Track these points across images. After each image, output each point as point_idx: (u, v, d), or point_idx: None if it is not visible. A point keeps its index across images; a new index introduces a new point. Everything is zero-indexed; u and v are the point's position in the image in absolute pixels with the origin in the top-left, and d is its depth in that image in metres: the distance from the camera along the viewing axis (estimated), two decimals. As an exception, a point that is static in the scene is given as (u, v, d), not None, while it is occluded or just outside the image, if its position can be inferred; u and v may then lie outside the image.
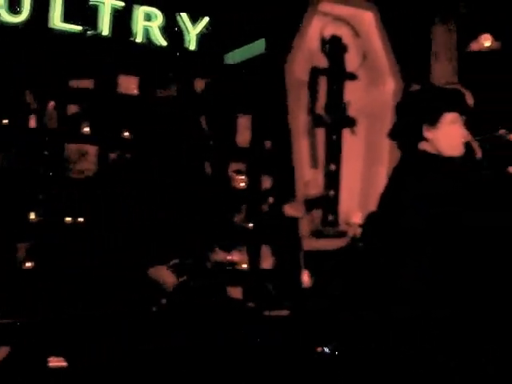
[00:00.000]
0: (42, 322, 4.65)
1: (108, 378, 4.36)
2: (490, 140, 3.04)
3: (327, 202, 6.10)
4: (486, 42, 6.98)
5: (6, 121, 4.88)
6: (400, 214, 2.76)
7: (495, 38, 6.94)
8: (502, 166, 3.00)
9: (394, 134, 3.02)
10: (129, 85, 5.38)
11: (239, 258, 5.55)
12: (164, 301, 4.96)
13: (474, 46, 6.99)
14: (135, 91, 5.39)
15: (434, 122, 2.87)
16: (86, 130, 5.17)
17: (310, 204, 5.91)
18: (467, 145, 2.98)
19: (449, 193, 2.67)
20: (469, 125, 4.25)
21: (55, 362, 4.50)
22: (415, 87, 6.42)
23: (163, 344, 4.54)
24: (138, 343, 4.59)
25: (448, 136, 2.87)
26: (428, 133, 2.86)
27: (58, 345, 4.57)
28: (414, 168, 2.83)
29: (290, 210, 5.61)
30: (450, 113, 2.87)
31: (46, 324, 4.66)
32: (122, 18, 5.25)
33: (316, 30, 6.19)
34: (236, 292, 5.44)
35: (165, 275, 4.99)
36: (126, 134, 5.30)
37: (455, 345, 2.63)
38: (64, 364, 4.49)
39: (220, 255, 5.39)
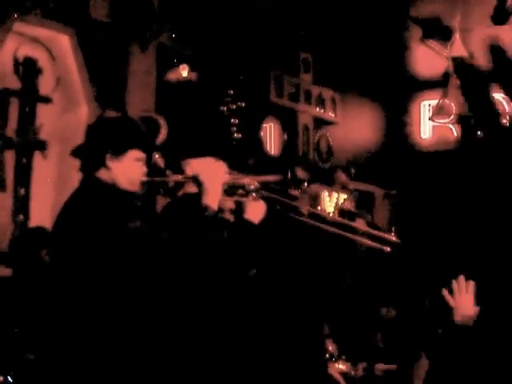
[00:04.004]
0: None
1: None
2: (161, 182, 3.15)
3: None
4: (183, 71, 7.34)
5: None
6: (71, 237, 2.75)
7: (192, 68, 7.32)
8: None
9: (76, 153, 2.98)
10: None
11: None
12: None
13: (172, 76, 7.30)
14: None
15: (118, 154, 2.89)
16: None
17: None
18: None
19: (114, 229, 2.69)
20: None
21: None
22: (110, 113, 6.54)
23: None
24: None
25: (129, 171, 2.90)
26: (110, 162, 2.87)
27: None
28: (89, 194, 2.83)
29: None
30: (135, 150, 2.91)
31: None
32: None
33: (9, 50, 6.03)
34: None
35: None
36: None
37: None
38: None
39: None
